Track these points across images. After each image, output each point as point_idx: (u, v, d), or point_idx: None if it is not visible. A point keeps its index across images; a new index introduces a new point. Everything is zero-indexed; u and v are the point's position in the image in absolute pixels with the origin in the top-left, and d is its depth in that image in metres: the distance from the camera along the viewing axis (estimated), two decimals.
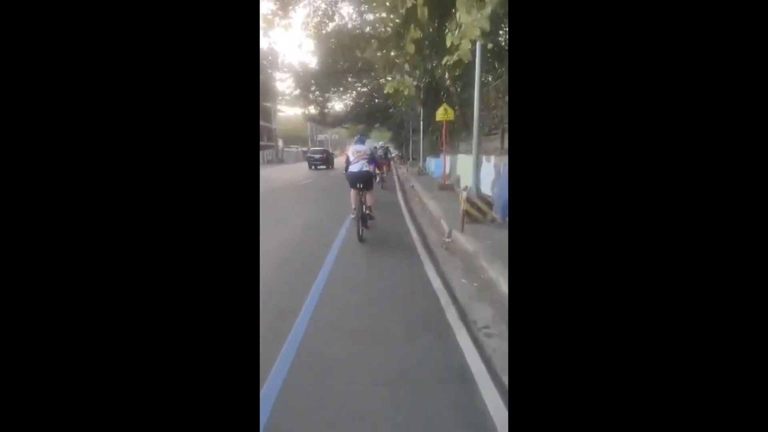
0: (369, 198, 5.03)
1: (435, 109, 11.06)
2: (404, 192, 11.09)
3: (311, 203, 9.30)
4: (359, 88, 27.04)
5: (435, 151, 15.58)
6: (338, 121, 33.97)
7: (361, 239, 4.76)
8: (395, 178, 15.79)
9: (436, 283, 3.42)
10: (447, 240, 4.84)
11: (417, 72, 13.49)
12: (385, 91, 5.53)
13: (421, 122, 15.51)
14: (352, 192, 5.00)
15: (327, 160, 24.95)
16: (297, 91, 24.57)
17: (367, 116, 30.77)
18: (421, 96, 15.02)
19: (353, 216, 5.04)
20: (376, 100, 28.00)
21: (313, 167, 24.10)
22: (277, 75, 24.11)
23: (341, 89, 26.62)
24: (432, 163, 15.02)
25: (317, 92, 25.78)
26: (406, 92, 5.40)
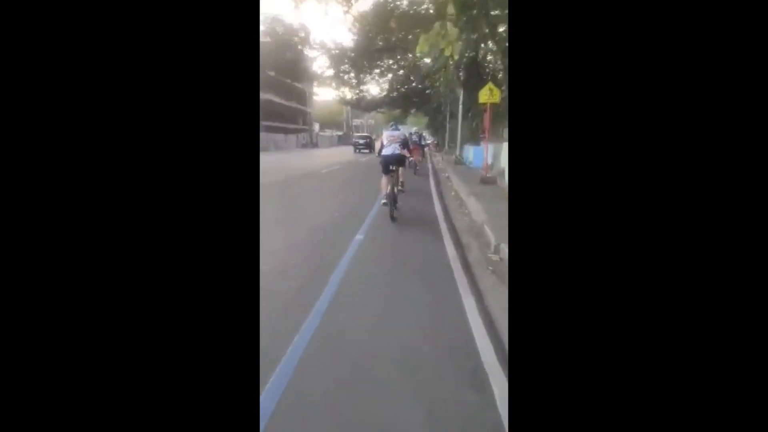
0: (401, 172, 5.60)
1: (476, 90, 9.82)
2: (438, 183, 9.96)
3: (335, 193, 8.35)
4: (395, 69, 25.62)
5: (474, 138, 14.11)
6: (374, 105, 32.84)
7: (393, 219, 5.18)
8: (429, 166, 15.02)
9: (482, 340, 2.20)
10: (494, 257, 3.63)
11: (458, 43, 12.09)
12: (417, 50, 4.31)
13: (460, 105, 14.03)
14: (384, 178, 5.26)
15: (369, 145, 28.53)
16: (330, 71, 23.49)
17: (403, 100, 29.39)
18: (461, 76, 13.53)
19: (383, 202, 5.38)
20: (413, 84, 26.53)
21: (357, 150, 27.88)
22: (310, 53, 23.01)
23: (377, 71, 25.30)
24: (470, 152, 13.59)
25: (351, 73, 24.65)
26: (447, 50, 4.13)
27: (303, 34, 19.87)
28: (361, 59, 22.34)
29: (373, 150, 25.70)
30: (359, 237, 4.48)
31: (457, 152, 15.16)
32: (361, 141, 29.36)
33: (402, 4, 18.10)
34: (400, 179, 5.66)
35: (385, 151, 5.32)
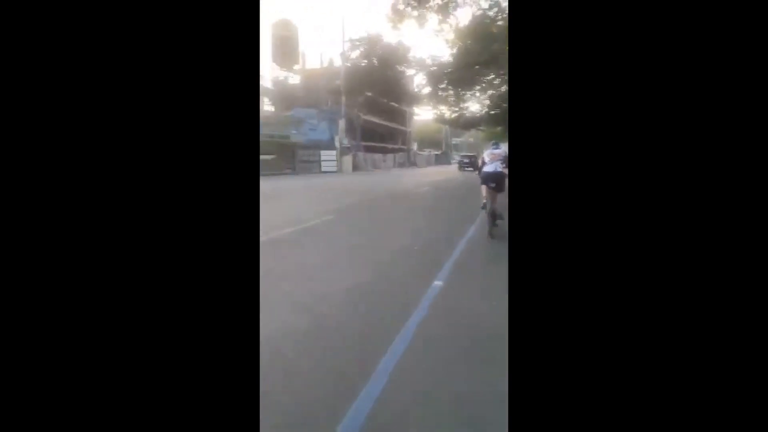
0: (500, 197, 5.36)
1: None
2: None
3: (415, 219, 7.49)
4: (496, 84, 24.04)
5: None
6: (473, 123, 31.40)
7: (491, 235, 5.26)
8: None
9: None
10: None
11: None
12: None
13: None
14: (484, 187, 5.42)
15: (473, 164, 29.71)
16: (428, 89, 22.86)
17: (504, 117, 27.48)
18: None
19: (483, 209, 5.52)
20: None
21: (462, 168, 28.81)
22: (408, 71, 22.56)
23: (477, 87, 24.01)
24: None
25: (450, 90, 23.75)
26: None
27: (401, 52, 19.54)
28: (459, 75, 21.32)
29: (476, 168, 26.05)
30: (438, 283, 3.30)
31: None
32: (466, 160, 30.61)
33: (501, 16, 16.82)
34: (498, 202, 5.49)
35: (487, 168, 5.45)
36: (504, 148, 5.84)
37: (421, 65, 20.96)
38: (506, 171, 5.28)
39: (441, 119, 29.32)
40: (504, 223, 5.46)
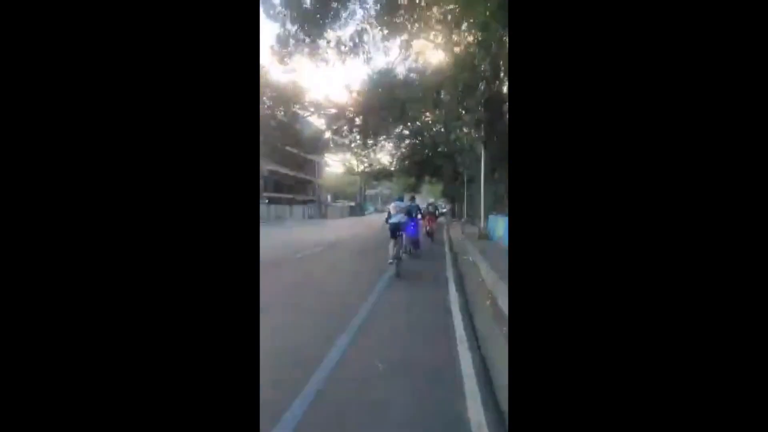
0: (405, 238, 6.59)
1: (501, 146, 7.20)
2: (460, 277, 6.57)
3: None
4: (407, 136, 23.69)
5: (503, 206, 11.02)
6: (385, 174, 30.86)
7: (398, 275, 5.89)
8: (444, 237, 13.07)
9: None
10: None
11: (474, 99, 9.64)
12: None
13: (482, 165, 11.15)
14: (392, 242, 6.19)
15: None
16: (327, 134, 21.36)
17: (417, 168, 27.27)
18: (481, 131, 10.82)
19: (390, 261, 6.12)
20: (426, 152, 24.46)
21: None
22: (302, 113, 20.78)
23: (384, 137, 23.37)
24: (499, 224, 10.38)
25: (356, 138, 22.71)
26: None
27: (295, 93, 17.82)
28: (364, 122, 20.33)
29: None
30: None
31: (482, 224, 11.96)
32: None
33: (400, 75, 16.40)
34: (404, 242, 6.49)
35: (392, 219, 6.25)
36: (407, 200, 7.12)
37: (317, 107, 19.54)
38: (409, 221, 6.57)
39: (351, 170, 28.33)
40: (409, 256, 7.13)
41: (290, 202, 34.15)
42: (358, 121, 19.81)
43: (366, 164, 26.47)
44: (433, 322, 3.72)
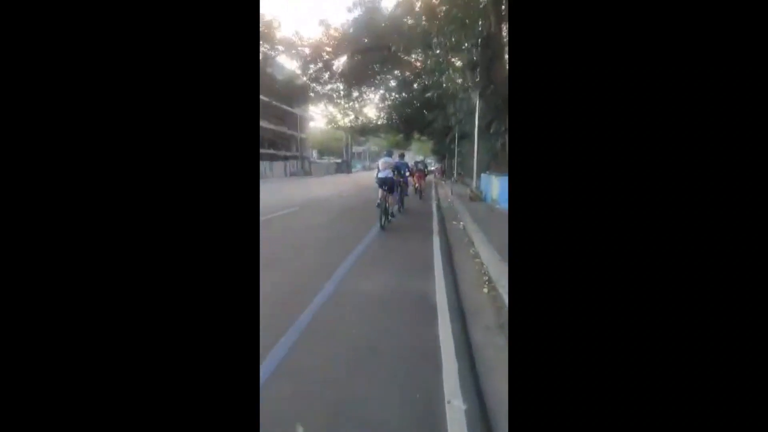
0: (391, 199, 6.69)
1: (499, 97, 5.87)
2: (449, 248, 5.25)
3: None
4: (394, 88, 21.80)
5: (500, 164, 9.77)
6: (372, 130, 29.11)
7: (383, 228, 6.18)
8: (432, 194, 12.63)
9: None
10: None
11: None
12: None
13: (476, 117, 9.75)
14: (380, 190, 6.41)
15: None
16: (301, 80, 19.26)
17: (405, 124, 25.54)
18: (477, 75, 9.32)
19: (378, 204, 6.38)
20: (414, 104, 22.71)
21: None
22: (274, 54, 18.21)
23: (371, 88, 21.48)
24: (495, 184, 9.19)
25: (339, 88, 20.82)
26: None
27: (265, 28, 15.54)
28: (349, 69, 18.39)
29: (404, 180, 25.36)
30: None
31: (474, 183, 10.76)
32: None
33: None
34: (390, 203, 6.64)
35: (381, 174, 6.52)
36: (396, 157, 7.29)
37: (288, 45, 17.17)
38: (395, 177, 6.77)
39: (334, 123, 26.43)
40: (395, 219, 7.12)
41: (271, 158, 32.36)
42: (337, 65, 17.83)
43: (350, 117, 24.62)
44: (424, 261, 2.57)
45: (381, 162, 6.66)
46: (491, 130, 9.81)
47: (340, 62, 17.62)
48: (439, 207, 9.96)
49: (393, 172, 6.52)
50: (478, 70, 9.09)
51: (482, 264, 4.06)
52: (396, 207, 7.51)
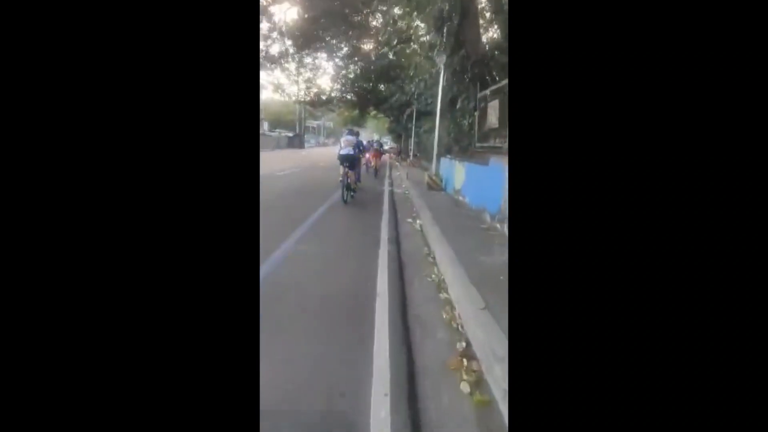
0: (351, 174, 6.83)
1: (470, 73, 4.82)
2: (397, 238, 3.91)
3: None
4: (346, 54, 19.61)
5: (464, 147, 8.24)
6: (324, 102, 26.74)
7: (345, 202, 6.61)
8: (386, 172, 12.45)
9: None
10: None
11: None
12: None
13: (440, 86, 8.09)
14: (342, 167, 6.66)
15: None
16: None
17: (360, 99, 23.50)
18: (444, 35, 7.62)
19: (340, 179, 6.74)
20: (371, 78, 20.76)
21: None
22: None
23: (321, 54, 19.19)
24: (459, 173, 7.67)
25: (290, 53, 18.40)
26: None
27: None
28: (298, 32, 16.05)
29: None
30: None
31: (433, 168, 9.19)
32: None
33: None
34: (351, 179, 6.83)
35: (342, 151, 6.68)
36: (360, 137, 7.61)
37: None
38: (357, 154, 6.99)
39: (279, 90, 23.77)
40: (358, 194, 7.52)
41: None
42: (281, 18, 15.46)
43: (302, 87, 22.23)
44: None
45: (343, 140, 6.88)
46: (457, 106, 8.23)
47: (284, 14, 15.28)
48: (392, 195, 8.35)
49: (354, 149, 6.74)
50: (445, 28, 7.42)
51: (455, 316, 2.48)
52: (356, 182, 7.62)
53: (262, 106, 43.76)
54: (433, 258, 3.70)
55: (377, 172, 12.72)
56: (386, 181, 11.24)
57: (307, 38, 16.16)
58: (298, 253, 3.72)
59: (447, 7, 6.93)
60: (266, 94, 45.03)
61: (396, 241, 4.42)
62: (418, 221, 5.42)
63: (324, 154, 30.21)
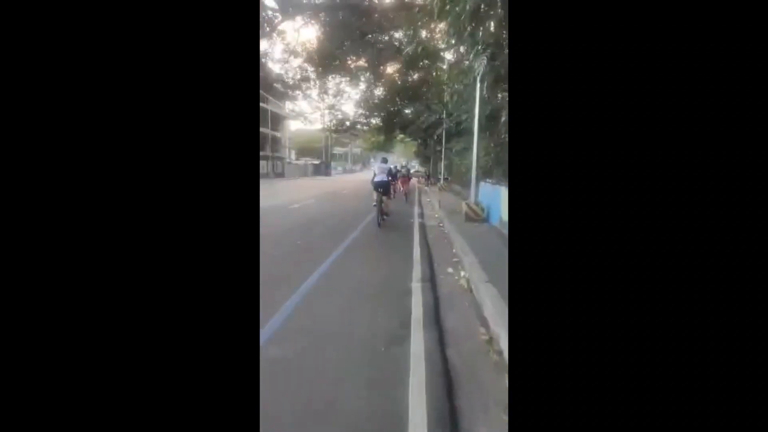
0: (386, 200, 7.35)
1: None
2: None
3: None
4: (369, 78, 18.65)
5: (504, 171, 6.63)
6: (349, 128, 25.95)
7: (379, 225, 6.97)
8: (415, 209, 9.87)
9: None
10: None
11: None
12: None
13: (477, 97, 6.56)
14: (375, 193, 7.20)
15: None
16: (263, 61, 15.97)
17: (385, 122, 22.47)
18: (478, 37, 6.19)
19: (374, 204, 7.37)
20: (397, 103, 19.77)
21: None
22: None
23: (341, 76, 18.32)
24: (502, 198, 6.04)
25: (312, 77, 17.69)
26: None
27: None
28: (317, 53, 15.27)
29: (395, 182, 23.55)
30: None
31: (472, 194, 7.55)
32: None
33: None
34: (385, 203, 7.32)
35: (377, 179, 7.15)
36: (390, 164, 8.12)
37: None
38: (390, 181, 7.58)
39: (302, 117, 23.07)
40: (389, 218, 7.59)
41: None
42: (293, 38, 14.78)
43: (324, 111, 21.48)
44: None
45: (377, 167, 7.39)
46: (501, 120, 6.69)
47: (297, 32, 14.67)
48: (423, 229, 6.85)
49: (387, 176, 7.26)
50: (481, 28, 6.02)
51: None
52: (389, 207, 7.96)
53: (289, 136, 43.77)
54: (499, 354, 2.15)
55: (407, 196, 13.06)
56: (415, 209, 9.77)
57: (326, 60, 15.29)
58: (275, 359, 2.26)
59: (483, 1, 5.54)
60: (295, 125, 45.21)
61: (435, 319, 2.85)
62: (462, 273, 3.87)
63: (349, 180, 29.16)
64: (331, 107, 22.13)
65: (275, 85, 18.68)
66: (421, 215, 8.76)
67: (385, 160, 7.59)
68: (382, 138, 27.56)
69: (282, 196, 13.15)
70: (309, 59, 16.07)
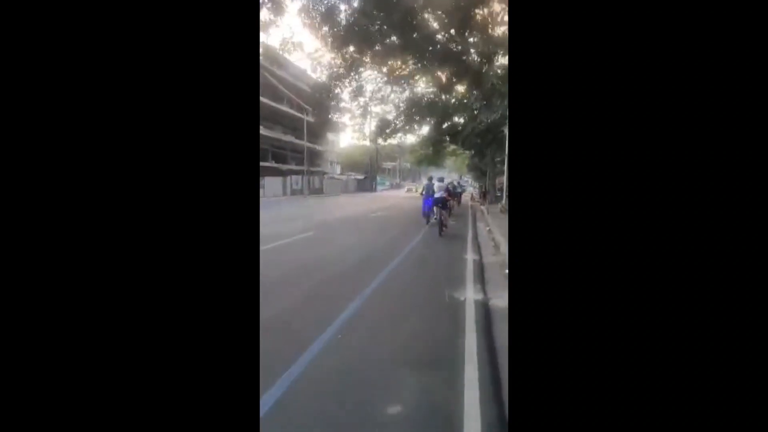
0: (444, 214, 8.50)
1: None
2: None
3: None
4: (408, 76, 15.06)
5: None
6: (392, 130, 22.40)
7: (441, 235, 7.91)
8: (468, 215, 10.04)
9: None
10: None
11: None
12: None
13: None
14: (436, 207, 8.61)
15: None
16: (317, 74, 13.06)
17: (433, 130, 18.76)
18: None
19: (435, 218, 8.73)
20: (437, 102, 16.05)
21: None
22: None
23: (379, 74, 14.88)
24: None
25: (348, 78, 14.46)
26: None
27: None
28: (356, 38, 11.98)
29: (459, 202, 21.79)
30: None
31: None
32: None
33: None
34: (444, 215, 8.42)
35: (437, 195, 8.59)
36: (446, 181, 10.33)
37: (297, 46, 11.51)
38: (447, 197, 8.95)
39: (333, 127, 19.97)
40: (448, 228, 8.42)
41: (275, 173, 26.40)
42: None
43: (357, 114, 18.13)
44: None
45: (436, 185, 8.77)
46: None
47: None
48: (488, 314, 2.95)
49: (445, 192, 8.61)
50: None
51: None
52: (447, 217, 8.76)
53: (339, 152, 41.41)
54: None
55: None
56: (468, 253, 5.89)
57: (358, 40, 12.05)
58: None
59: None
60: (346, 140, 42.68)
61: None
62: None
63: (392, 196, 25.58)
64: (364, 107, 18.42)
65: (332, 103, 15.89)
66: (481, 268, 4.85)
67: (441, 179, 9.22)
68: (430, 150, 23.67)
69: (272, 226, 9.46)
70: (335, 42, 12.64)
